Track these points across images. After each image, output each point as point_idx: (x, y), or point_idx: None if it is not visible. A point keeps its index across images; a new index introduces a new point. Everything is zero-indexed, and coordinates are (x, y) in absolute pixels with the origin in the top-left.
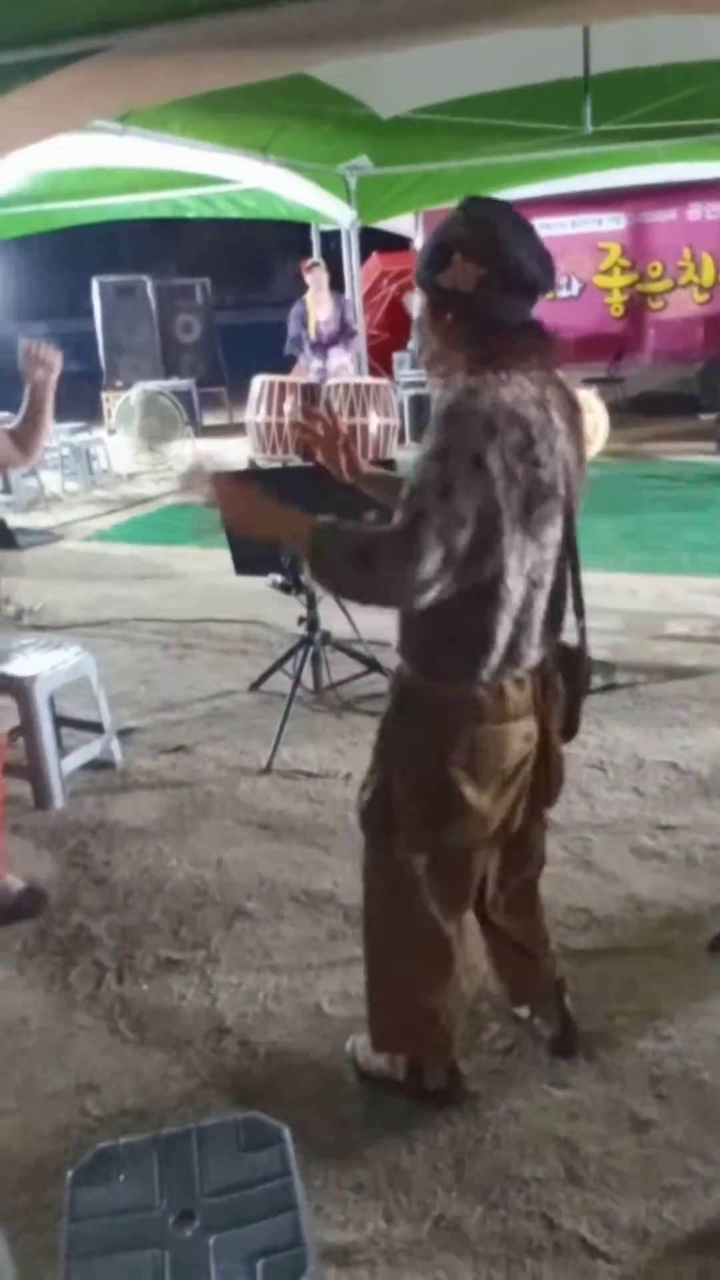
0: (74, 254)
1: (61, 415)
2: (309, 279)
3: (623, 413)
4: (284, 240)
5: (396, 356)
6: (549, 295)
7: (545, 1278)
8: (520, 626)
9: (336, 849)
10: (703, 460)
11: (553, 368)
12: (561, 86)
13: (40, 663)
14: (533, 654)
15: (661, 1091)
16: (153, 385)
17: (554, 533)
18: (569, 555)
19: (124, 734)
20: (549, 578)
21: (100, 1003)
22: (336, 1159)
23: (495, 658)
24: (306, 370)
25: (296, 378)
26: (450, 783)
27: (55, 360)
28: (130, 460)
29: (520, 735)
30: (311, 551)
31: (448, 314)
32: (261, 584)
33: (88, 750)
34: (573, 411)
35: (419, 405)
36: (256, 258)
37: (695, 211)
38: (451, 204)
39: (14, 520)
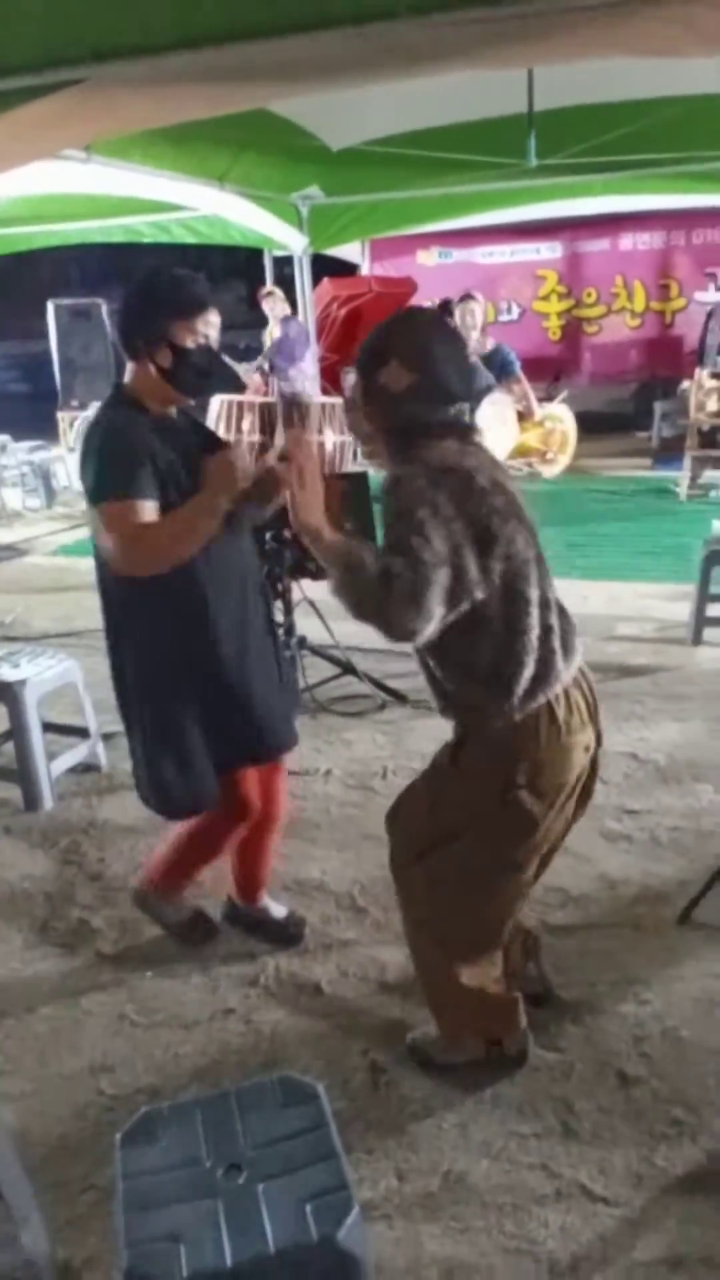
0: (25, 277)
1: (20, 434)
2: (265, 306)
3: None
4: (230, 265)
5: (345, 376)
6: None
7: (551, 1222)
8: (544, 644)
9: (322, 840)
10: (640, 475)
11: (470, 442)
12: (506, 122)
13: (28, 669)
14: (566, 668)
15: (645, 1050)
16: None
17: (527, 551)
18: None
19: (107, 739)
20: (550, 594)
21: (106, 990)
22: (346, 1126)
23: (524, 683)
24: (269, 390)
25: (254, 397)
26: (519, 805)
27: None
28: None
29: (580, 747)
30: (335, 584)
31: (379, 407)
32: None
33: (74, 754)
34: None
35: None
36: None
37: (627, 241)
38: (398, 232)
39: None
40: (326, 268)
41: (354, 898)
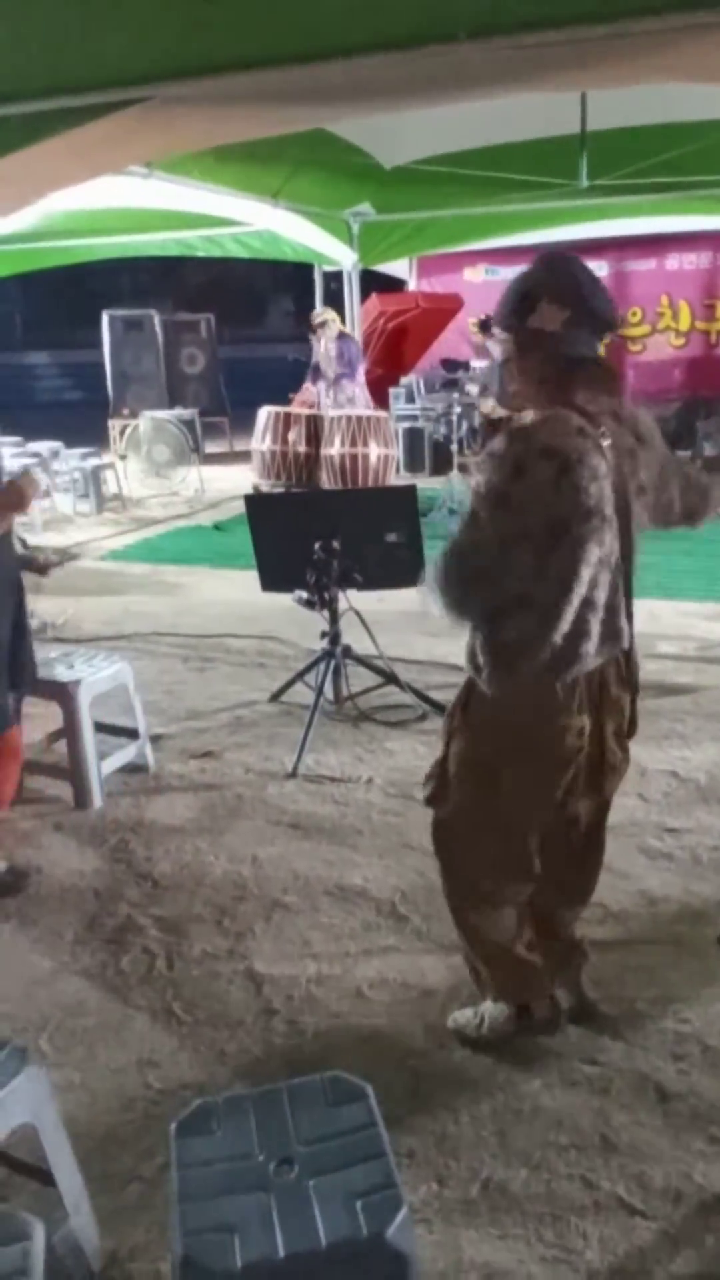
0: (78, 288)
1: (72, 441)
2: (319, 334)
3: None
4: (279, 279)
5: (393, 391)
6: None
7: (590, 1234)
8: (569, 636)
9: (364, 847)
10: None
11: (616, 396)
12: (558, 142)
13: (83, 670)
14: (588, 660)
15: (684, 1068)
16: (160, 414)
17: (600, 551)
18: (624, 569)
19: (153, 740)
20: (601, 594)
21: (153, 986)
22: (388, 1129)
23: (539, 664)
24: (317, 403)
25: (300, 409)
26: (507, 768)
27: (38, 487)
28: (139, 484)
29: (573, 731)
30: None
31: (536, 352)
32: (273, 601)
33: (123, 754)
34: (635, 442)
35: (412, 437)
36: (253, 295)
37: (673, 261)
38: (447, 250)
39: (30, 540)
40: (374, 283)
41: (395, 905)
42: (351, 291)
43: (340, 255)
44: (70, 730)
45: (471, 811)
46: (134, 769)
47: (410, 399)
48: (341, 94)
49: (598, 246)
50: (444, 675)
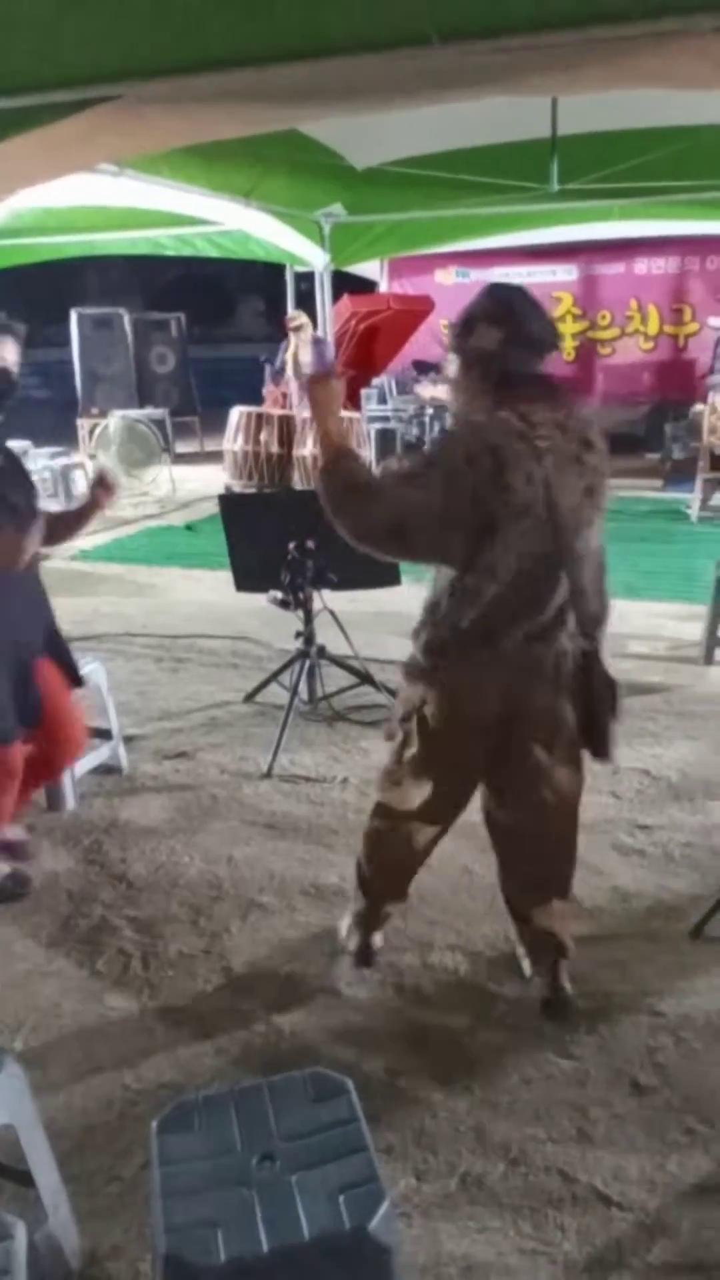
0: (45, 287)
1: (41, 440)
2: (294, 337)
3: None
4: (249, 280)
5: (364, 393)
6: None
7: (568, 1225)
8: (488, 618)
9: (340, 846)
10: (650, 495)
11: (561, 408)
12: (529, 146)
13: None
14: (504, 644)
15: (658, 1060)
16: (130, 413)
17: (530, 545)
18: (561, 569)
19: (127, 741)
20: (527, 585)
21: (129, 987)
22: (367, 1126)
23: (458, 639)
24: (287, 404)
25: (273, 409)
26: (414, 726)
27: (118, 489)
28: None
29: (468, 721)
30: (322, 470)
31: (476, 368)
32: (247, 602)
33: (96, 755)
34: (581, 449)
35: (384, 438)
36: (221, 295)
37: (642, 266)
38: (419, 252)
39: None
40: (346, 284)
41: None
42: (323, 292)
43: (312, 256)
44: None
45: (395, 760)
46: (107, 770)
47: (382, 400)
48: (314, 95)
49: (568, 250)
50: None
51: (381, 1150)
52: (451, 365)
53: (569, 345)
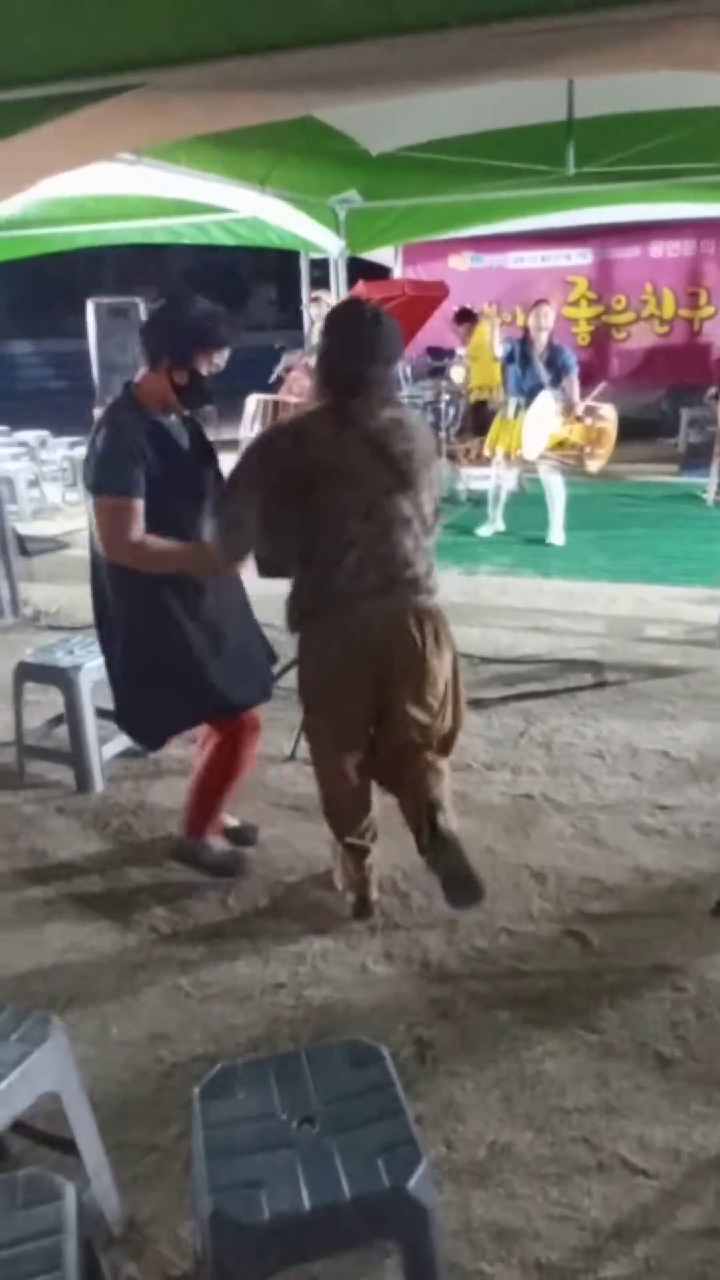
0: (61, 276)
1: (59, 430)
2: (312, 311)
3: None
4: (262, 267)
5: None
6: None
7: (595, 1192)
8: (329, 573)
9: None
10: (666, 480)
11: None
12: (545, 129)
13: (82, 656)
14: (352, 592)
15: (681, 1034)
16: None
17: (345, 506)
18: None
19: None
20: (360, 541)
21: (161, 963)
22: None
23: (311, 592)
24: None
25: (289, 397)
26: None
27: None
28: None
29: (338, 648)
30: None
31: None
32: (266, 589)
33: (123, 739)
34: (374, 433)
35: None
36: (235, 283)
37: (657, 249)
38: (433, 237)
39: (21, 529)
40: (360, 270)
41: (396, 882)
42: (338, 279)
43: (327, 242)
44: (71, 716)
45: (306, 729)
46: (134, 754)
47: (398, 386)
48: (333, 81)
49: (583, 234)
50: None
51: (412, 1120)
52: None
53: (584, 330)
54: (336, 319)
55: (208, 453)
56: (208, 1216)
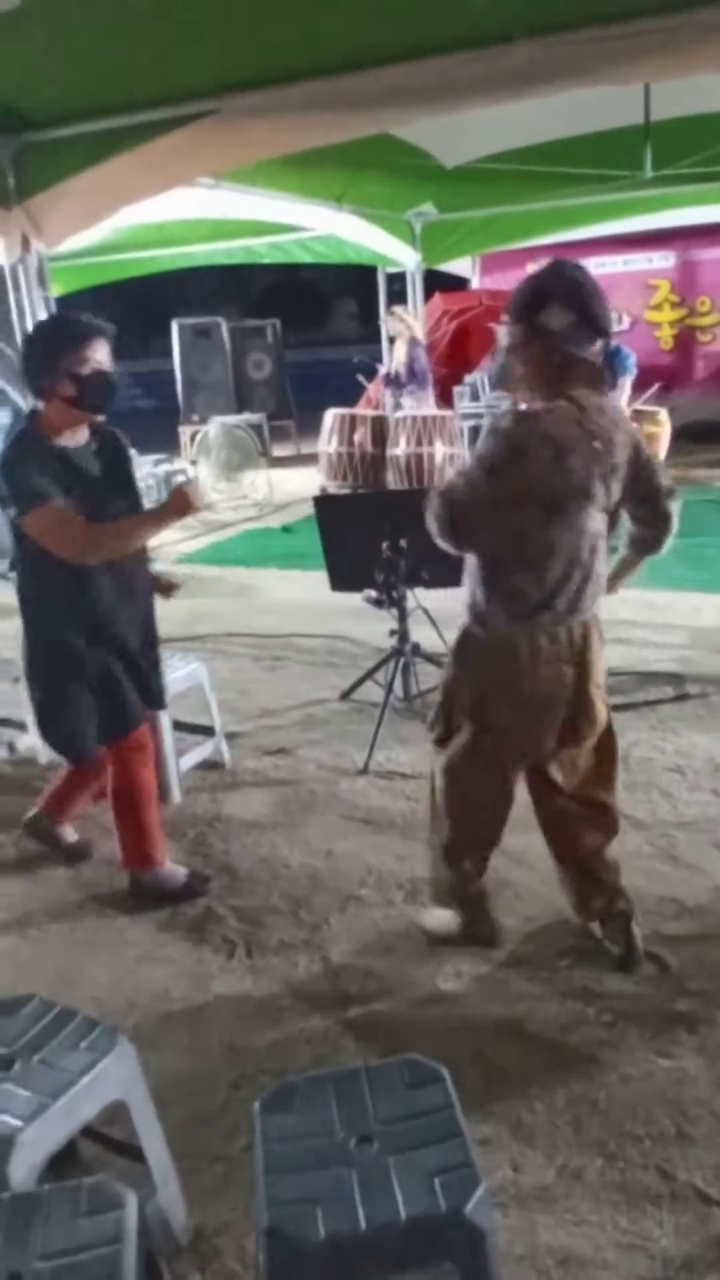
0: (146, 299)
1: (145, 448)
2: (390, 325)
3: (672, 440)
4: (341, 283)
5: (456, 390)
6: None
7: (666, 1222)
8: (555, 592)
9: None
10: None
11: (600, 391)
12: (621, 134)
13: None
14: (572, 615)
15: None
16: (229, 419)
17: (587, 522)
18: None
19: (229, 737)
20: (584, 559)
21: (233, 975)
22: (463, 1117)
23: (528, 613)
24: (381, 404)
25: (366, 410)
26: (483, 703)
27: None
28: (210, 489)
29: (550, 677)
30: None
31: (537, 344)
32: (342, 601)
33: (200, 751)
34: (614, 431)
35: (477, 435)
36: (317, 299)
37: None
38: (509, 246)
39: None
40: (438, 282)
41: None
42: (415, 292)
43: (403, 256)
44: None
45: (471, 750)
46: (211, 765)
47: (475, 397)
48: (405, 98)
49: (664, 237)
50: None
51: (479, 1141)
52: (509, 333)
53: (666, 334)
54: (582, 273)
55: (122, 478)
56: (264, 1231)
